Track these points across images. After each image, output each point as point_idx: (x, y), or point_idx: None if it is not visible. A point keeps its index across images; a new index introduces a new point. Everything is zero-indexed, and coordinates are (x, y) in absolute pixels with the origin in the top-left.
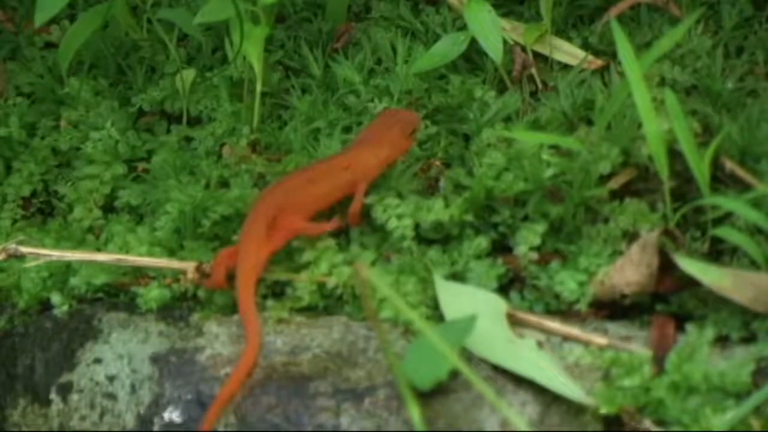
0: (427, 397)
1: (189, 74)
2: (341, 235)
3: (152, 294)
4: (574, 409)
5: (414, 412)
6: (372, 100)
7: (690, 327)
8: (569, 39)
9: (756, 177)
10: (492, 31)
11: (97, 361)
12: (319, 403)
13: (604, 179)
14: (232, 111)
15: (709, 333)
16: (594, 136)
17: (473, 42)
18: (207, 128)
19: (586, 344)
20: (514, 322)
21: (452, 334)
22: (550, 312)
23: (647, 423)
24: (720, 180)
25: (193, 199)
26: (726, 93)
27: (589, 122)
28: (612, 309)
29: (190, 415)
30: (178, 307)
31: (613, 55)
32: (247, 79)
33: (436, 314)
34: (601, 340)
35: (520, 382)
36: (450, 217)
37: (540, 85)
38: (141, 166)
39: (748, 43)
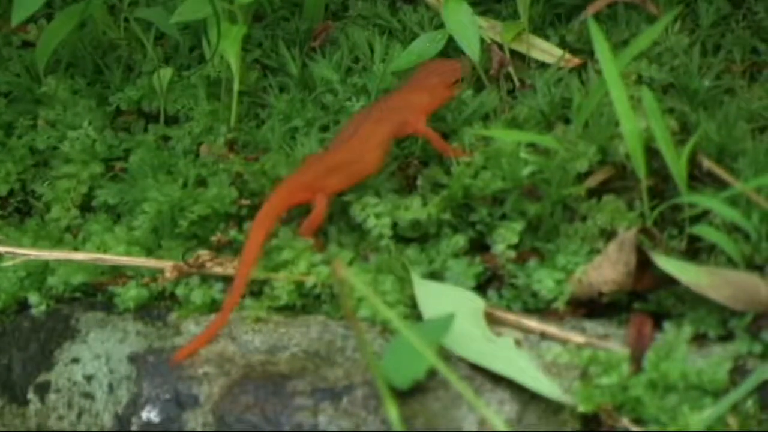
0: (405, 396)
1: (166, 73)
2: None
3: (130, 293)
4: (552, 407)
5: (392, 412)
6: (349, 99)
7: (667, 325)
8: (546, 37)
9: (733, 175)
10: (469, 30)
11: (75, 360)
12: (297, 402)
13: (581, 177)
14: (209, 110)
15: (687, 331)
16: (571, 134)
17: (451, 40)
18: (184, 127)
19: (564, 342)
20: (492, 320)
21: (430, 333)
22: (527, 310)
23: (625, 421)
24: (697, 178)
25: (170, 199)
26: (703, 91)
27: (567, 120)
28: (590, 307)
29: (168, 415)
30: (156, 307)
31: (591, 54)
32: (224, 78)
33: (414, 313)
34: (578, 338)
35: (498, 380)
36: (428, 216)
37: (517, 84)
38: (118, 165)
39: (725, 41)
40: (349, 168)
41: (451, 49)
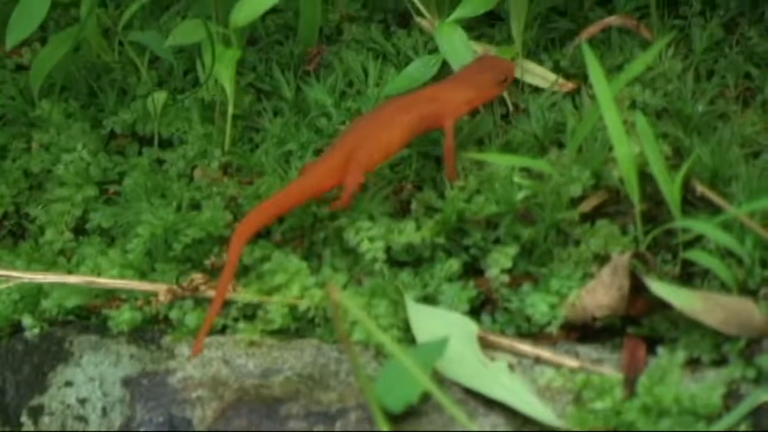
0: (398, 419)
1: (160, 96)
2: (313, 257)
3: (124, 316)
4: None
5: None
6: (343, 123)
7: (661, 350)
8: (540, 62)
9: (726, 200)
10: (464, 54)
11: (69, 383)
12: (291, 425)
13: (575, 202)
14: (203, 133)
15: (680, 356)
16: (565, 158)
17: (444, 64)
18: (178, 150)
19: (558, 367)
20: (485, 344)
21: (424, 356)
22: (521, 334)
23: None
24: (691, 203)
25: (164, 222)
26: (697, 116)
27: (561, 145)
28: (583, 331)
29: None
30: (150, 330)
31: (584, 78)
32: (218, 102)
33: (407, 337)
34: (572, 362)
35: (492, 404)
36: (422, 240)
37: (511, 108)
38: (112, 188)
39: (719, 67)
40: (363, 148)
41: (445, 74)
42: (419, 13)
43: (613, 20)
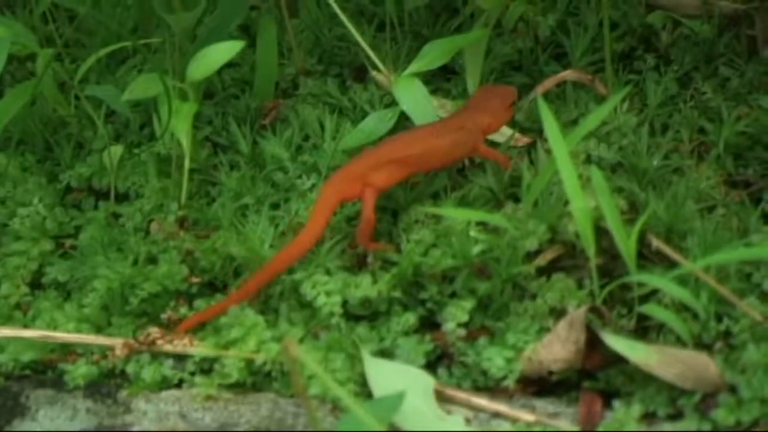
0: None
1: (117, 150)
2: (269, 311)
3: (80, 371)
4: None
5: None
6: (300, 177)
7: (617, 403)
8: None
9: (682, 254)
10: (424, 106)
11: None
12: None
13: (531, 256)
14: (160, 187)
15: (636, 409)
16: (521, 213)
17: (401, 118)
18: (135, 204)
19: (514, 421)
20: (442, 398)
21: (380, 410)
22: (478, 388)
23: None
24: (646, 257)
25: (120, 276)
26: (652, 170)
27: (516, 199)
28: (540, 385)
29: None
30: (106, 384)
31: (540, 132)
32: (175, 155)
33: (364, 391)
34: (528, 416)
35: None
36: (378, 294)
37: (467, 162)
38: (68, 242)
39: (673, 121)
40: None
41: (401, 128)
42: (375, 68)
43: (568, 74)
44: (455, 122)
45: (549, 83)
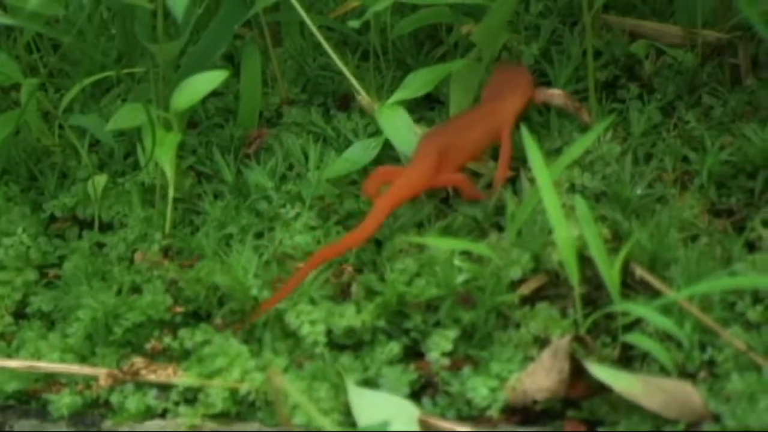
0: None
1: (101, 180)
2: (253, 341)
3: (64, 401)
4: None
5: None
6: (284, 206)
7: None
8: None
9: (665, 283)
10: (406, 135)
11: None
12: None
13: (515, 285)
14: (143, 216)
15: None
16: (505, 242)
17: (384, 147)
18: (119, 234)
19: None
20: (426, 428)
21: None
22: (462, 418)
23: None
24: (630, 286)
25: (105, 306)
26: (635, 199)
27: (500, 228)
28: (524, 415)
29: None
30: (90, 414)
31: (524, 162)
32: (159, 185)
33: (348, 420)
34: None
35: None
36: (362, 323)
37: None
38: (52, 272)
39: (657, 150)
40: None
41: (385, 156)
42: (359, 96)
43: (557, 95)
44: (485, 110)
45: (540, 95)
